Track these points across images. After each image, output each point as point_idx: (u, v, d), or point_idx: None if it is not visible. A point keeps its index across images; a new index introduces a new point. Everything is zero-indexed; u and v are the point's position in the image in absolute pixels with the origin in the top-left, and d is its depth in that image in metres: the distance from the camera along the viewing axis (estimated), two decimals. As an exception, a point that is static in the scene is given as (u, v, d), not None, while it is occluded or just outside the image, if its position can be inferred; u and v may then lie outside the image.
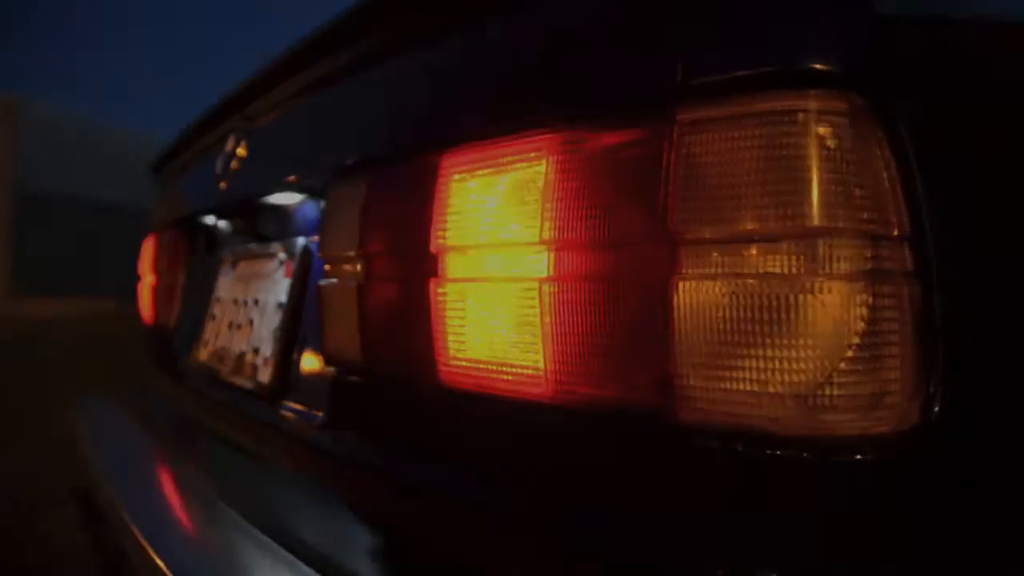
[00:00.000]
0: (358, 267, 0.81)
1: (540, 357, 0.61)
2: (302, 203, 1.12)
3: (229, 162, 1.22)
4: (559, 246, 0.60)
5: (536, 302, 0.61)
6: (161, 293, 1.72)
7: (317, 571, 0.78)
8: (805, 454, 0.50)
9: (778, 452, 0.51)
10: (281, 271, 1.14)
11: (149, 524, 0.98)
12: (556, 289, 0.60)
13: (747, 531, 0.52)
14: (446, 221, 0.69)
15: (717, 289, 0.51)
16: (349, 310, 0.82)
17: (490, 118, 0.66)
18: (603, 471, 0.60)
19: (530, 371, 0.62)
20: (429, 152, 0.71)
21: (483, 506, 0.68)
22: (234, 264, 1.37)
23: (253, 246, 1.31)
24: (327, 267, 0.88)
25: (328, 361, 0.88)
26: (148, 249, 1.85)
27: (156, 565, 0.82)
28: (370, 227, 0.79)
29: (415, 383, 0.74)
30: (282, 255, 1.15)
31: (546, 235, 0.60)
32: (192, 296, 1.61)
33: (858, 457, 0.49)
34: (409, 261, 0.74)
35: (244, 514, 0.94)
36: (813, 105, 0.50)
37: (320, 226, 0.89)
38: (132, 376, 2.09)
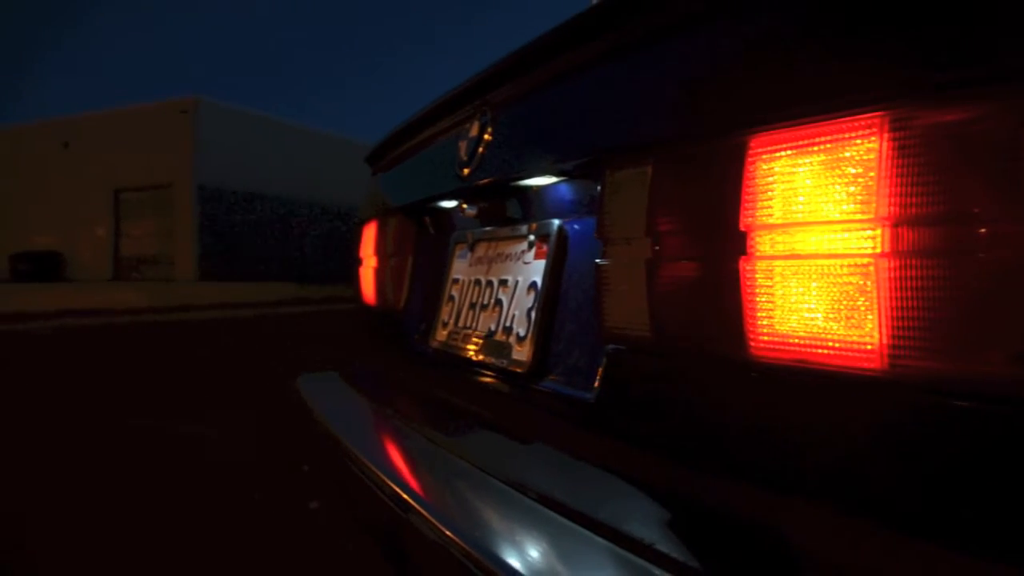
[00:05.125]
0: (646, 247, 0.83)
1: (872, 332, 0.61)
2: (556, 185, 1.15)
3: (472, 147, 1.27)
4: (897, 223, 0.59)
5: (869, 278, 0.61)
6: (387, 276, 1.81)
7: (605, 539, 0.82)
8: None
9: None
10: (532, 252, 1.18)
11: (427, 500, 1.04)
12: (895, 265, 0.59)
13: None
14: (757, 200, 0.70)
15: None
16: (635, 289, 0.85)
17: (809, 96, 0.66)
18: (944, 447, 0.59)
19: (859, 345, 0.62)
20: (734, 132, 0.72)
21: (803, 485, 0.68)
22: (472, 247, 1.42)
23: (492, 229, 1.36)
24: (606, 248, 0.90)
25: (607, 339, 0.91)
26: (370, 234, 1.94)
27: (456, 544, 0.87)
28: (660, 207, 0.81)
29: (719, 358, 0.75)
30: (532, 237, 1.19)
31: (882, 212, 0.60)
32: (421, 278, 1.69)
33: None
34: (710, 240, 0.75)
35: (515, 487, 0.99)
36: None
37: (598, 208, 0.92)
38: (348, 354, 2.21)
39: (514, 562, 0.82)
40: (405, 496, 1.04)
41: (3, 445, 4.06)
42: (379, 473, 1.14)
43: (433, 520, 0.94)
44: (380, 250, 1.86)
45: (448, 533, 0.90)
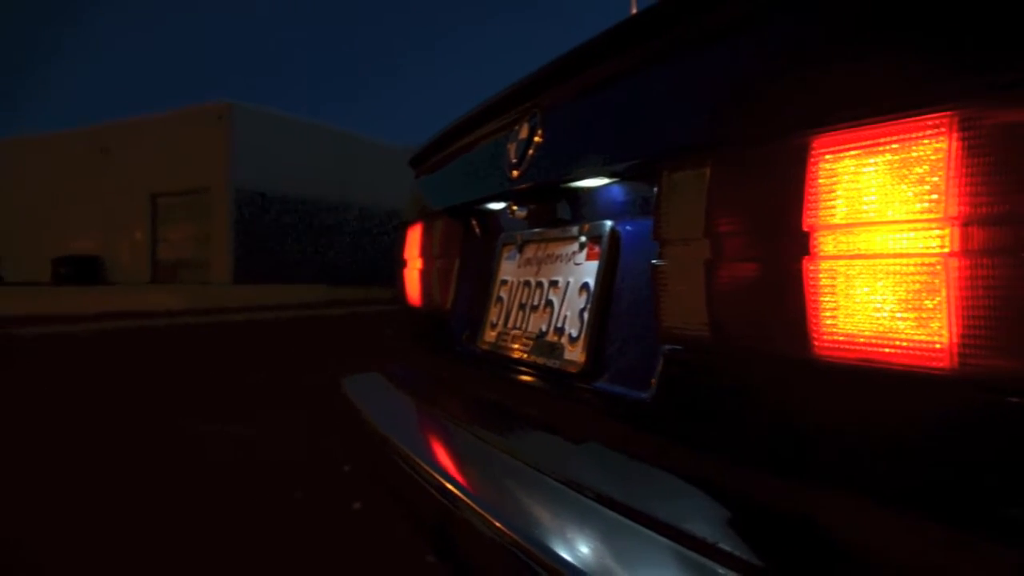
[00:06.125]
0: (704, 247, 0.84)
1: (940, 331, 0.62)
2: (607, 187, 1.16)
3: (522, 149, 1.28)
4: (967, 222, 0.60)
5: (938, 278, 0.61)
6: (434, 278, 1.82)
7: (665, 536, 0.82)
8: None
9: None
10: (583, 253, 1.19)
11: (485, 498, 1.05)
12: (964, 264, 0.60)
13: None
14: (820, 201, 0.70)
15: None
16: (693, 289, 0.85)
17: (875, 96, 0.66)
18: (1014, 447, 0.59)
19: (927, 344, 0.63)
20: (797, 133, 0.72)
21: (866, 485, 0.69)
22: (520, 248, 1.44)
23: (541, 230, 1.37)
24: (663, 249, 0.91)
25: (664, 339, 0.92)
26: (415, 236, 1.96)
27: (516, 542, 0.88)
28: (719, 208, 0.82)
29: (780, 358, 0.76)
30: (583, 238, 1.20)
31: (951, 212, 0.60)
32: (468, 280, 1.71)
33: None
34: (771, 240, 0.76)
35: (572, 486, 1.00)
36: None
37: (655, 209, 0.92)
38: (393, 355, 2.23)
39: (575, 560, 0.83)
40: (461, 495, 1.05)
41: (62, 444, 4.14)
42: (434, 473, 1.15)
43: (492, 519, 0.95)
44: (426, 252, 1.88)
45: (508, 531, 0.91)
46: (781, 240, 0.74)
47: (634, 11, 1.06)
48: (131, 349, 9.09)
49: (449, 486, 1.09)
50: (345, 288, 21.81)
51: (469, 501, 1.03)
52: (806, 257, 0.71)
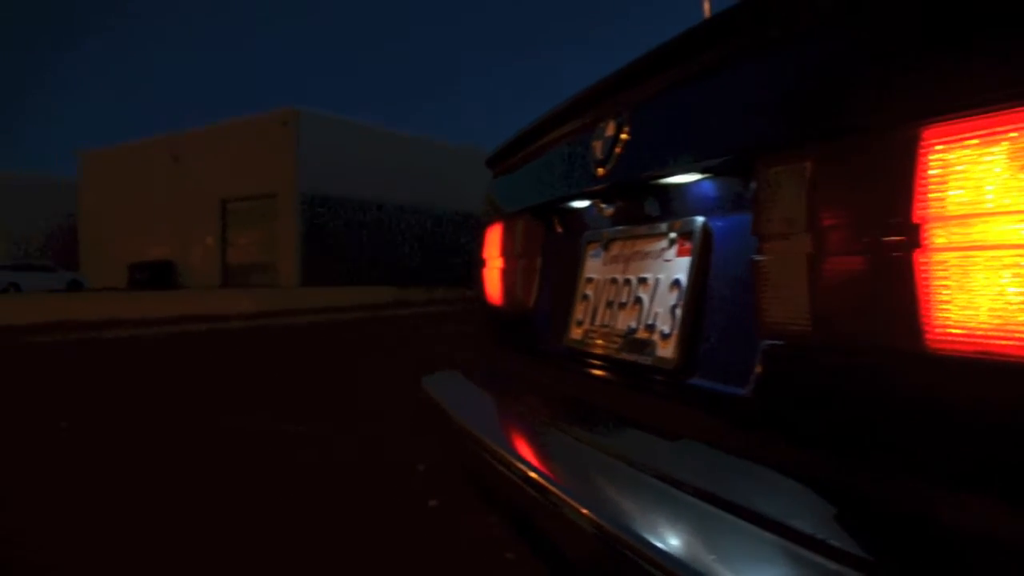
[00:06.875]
0: (806, 242, 0.83)
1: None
2: (697, 183, 1.16)
3: (609, 147, 1.29)
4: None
5: (1061, 267, 0.61)
6: (515, 276, 1.84)
7: (770, 531, 0.82)
8: None
9: None
10: (673, 250, 1.19)
11: (587, 496, 1.06)
12: (1090, 253, 0.59)
13: None
14: (931, 193, 0.70)
15: None
16: (795, 284, 0.85)
17: (988, 85, 0.66)
18: None
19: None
20: (907, 124, 0.72)
21: (978, 479, 0.68)
22: (606, 246, 1.44)
23: (627, 227, 1.38)
24: (763, 244, 0.91)
25: (765, 335, 0.91)
26: (494, 236, 1.98)
27: (619, 538, 0.89)
28: (822, 202, 0.82)
29: (891, 351, 0.75)
30: (673, 234, 1.20)
31: (1073, 200, 0.60)
32: (551, 278, 1.72)
33: None
34: (879, 233, 0.75)
35: (672, 483, 1.01)
36: None
37: (754, 204, 0.92)
38: (476, 354, 2.26)
39: (678, 553, 0.84)
40: (560, 492, 1.06)
41: (156, 444, 4.29)
42: (530, 470, 1.17)
43: (593, 515, 0.96)
44: (507, 251, 1.90)
45: (611, 527, 0.92)
46: (889, 233, 0.74)
47: (707, 14, 1.06)
48: (215, 351, 9.33)
49: (547, 483, 1.11)
50: (411, 289, 22.04)
51: (568, 498, 1.04)
52: (917, 250, 0.71)
